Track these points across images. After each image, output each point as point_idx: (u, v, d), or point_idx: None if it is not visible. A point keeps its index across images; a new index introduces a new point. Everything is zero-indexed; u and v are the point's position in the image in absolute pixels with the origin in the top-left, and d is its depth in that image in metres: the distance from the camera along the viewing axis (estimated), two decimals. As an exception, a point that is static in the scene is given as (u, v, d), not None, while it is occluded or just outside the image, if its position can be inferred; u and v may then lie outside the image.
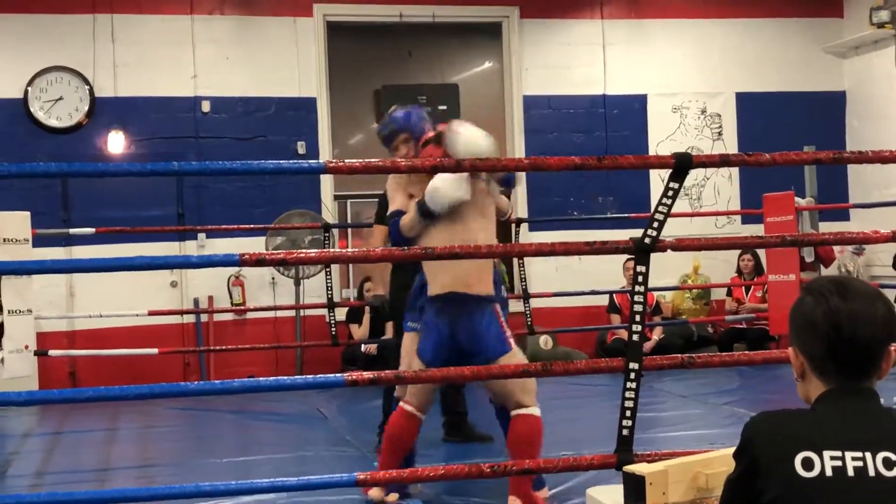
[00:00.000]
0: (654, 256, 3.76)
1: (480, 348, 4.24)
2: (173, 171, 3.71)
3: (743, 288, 9.63)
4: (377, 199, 5.22)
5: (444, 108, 9.45)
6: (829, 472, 1.83)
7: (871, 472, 1.83)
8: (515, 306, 7.99)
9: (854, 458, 1.84)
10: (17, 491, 5.06)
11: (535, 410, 4.33)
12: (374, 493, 4.39)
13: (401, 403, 4.35)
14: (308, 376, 3.77)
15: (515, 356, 4.27)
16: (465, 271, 4.24)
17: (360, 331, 8.97)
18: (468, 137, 4.32)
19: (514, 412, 4.30)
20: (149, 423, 7.04)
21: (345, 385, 3.56)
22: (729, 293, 9.77)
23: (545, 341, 9.25)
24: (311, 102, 9.42)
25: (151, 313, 8.23)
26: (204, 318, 9.11)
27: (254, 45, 9.35)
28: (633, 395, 3.73)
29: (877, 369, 1.94)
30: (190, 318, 9.10)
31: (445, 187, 4.29)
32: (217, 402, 7.35)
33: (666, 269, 9.33)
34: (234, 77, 9.26)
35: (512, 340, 4.33)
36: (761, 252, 9.30)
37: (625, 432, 3.74)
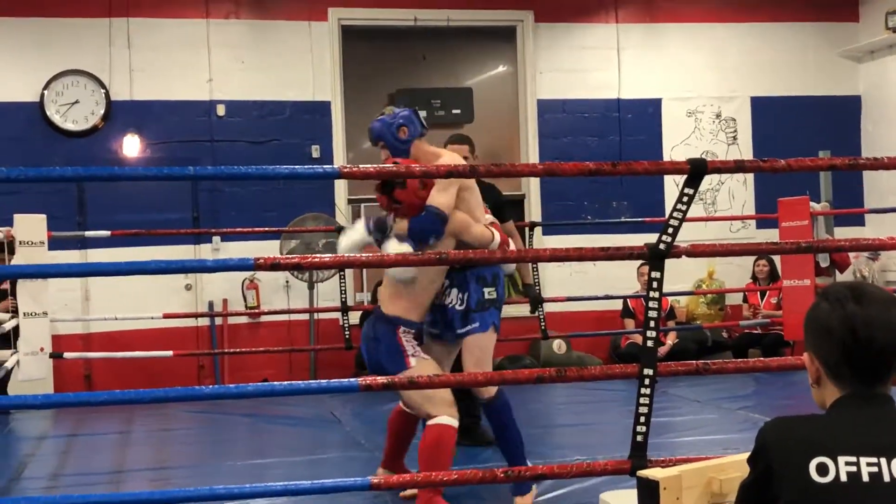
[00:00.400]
0: (668, 261, 3.76)
1: (377, 364, 4.39)
2: (189, 176, 3.73)
3: (758, 293, 9.61)
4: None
5: (458, 111, 9.48)
6: (843, 478, 1.83)
7: (886, 478, 1.83)
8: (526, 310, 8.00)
9: (869, 464, 1.84)
10: (32, 493, 5.08)
11: (443, 420, 4.27)
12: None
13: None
14: (322, 381, 3.77)
15: (415, 372, 4.23)
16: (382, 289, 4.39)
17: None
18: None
19: (427, 422, 4.30)
20: (163, 426, 7.07)
21: (359, 390, 3.57)
22: (745, 299, 9.75)
23: (558, 346, 9.25)
24: (326, 106, 9.45)
25: (166, 316, 8.27)
26: (218, 321, 9.15)
27: (269, 48, 9.38)
28: (647, 401, 3.73)
29: (892, 375, 1.94)
30: (204, 321, 9.14)
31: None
32: (231, 405, 7.38)
33: (680, 274, 9.32)
34: (248, 81, 9.30)
35: (412, 360, 4.33)
36: (776, 257, 9.28)
37: (639, 438, 3.73)
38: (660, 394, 6.71)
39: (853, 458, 1.85)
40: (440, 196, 4.32)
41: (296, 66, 9.41)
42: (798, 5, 10.34)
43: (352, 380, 3.69)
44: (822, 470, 1.84)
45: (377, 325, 4.43)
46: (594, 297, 8.68)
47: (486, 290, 4.59)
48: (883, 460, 1.84)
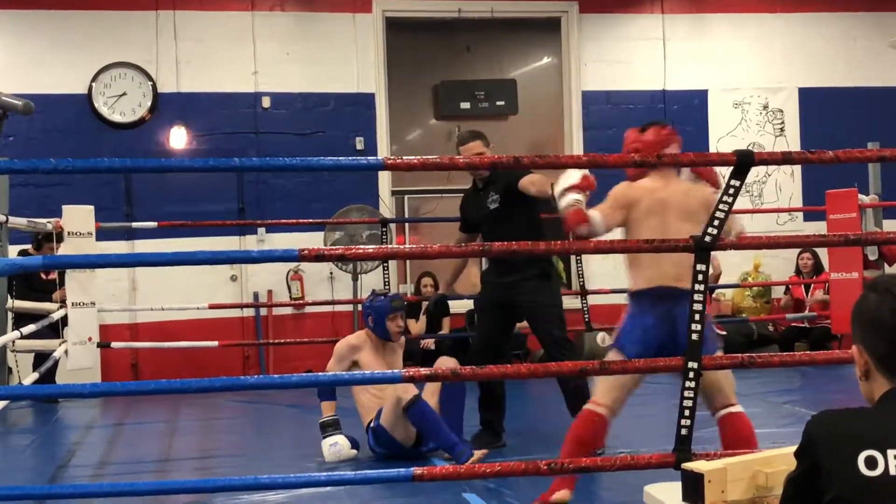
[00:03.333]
0: (714, 254, 3.72)
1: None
2: (234, 168, 3.75)
3: (802, 287, 9.50)
4: None
5: (502, 103, 9.46)
6: (893, 471, 1.81)
7: (935, 473, 1.80)
8: (573, 303, 7.98)
9: (918, 458, 1.81)
10: (79, 481, 5.15)
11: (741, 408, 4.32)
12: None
13: (589, 406, 4.18)
14: (366, 371, 3.79)
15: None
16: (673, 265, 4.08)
17: (417, 326, 9.01)
18: None
19: (724, 411, 4.23)
20: (209, 416, 7.12)
21: (401, 380, 3.58)
22: (786, 290, 9.65)
23: (602, 338, 9.18)
24: (370, 98, 9.47)
25: (212, 307, 8.34)
26: (263, 311, 9.21)
27: (313, 41, 9.41)
28: (691, 395, 3.71)
29: (941, 370, 1.91)
30: (249, 312, 9.21)
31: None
32: (276, 395, 7.42)
33: (727, 267, 9.24)
34: (293, 73, 9.35)
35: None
36: (822, 251, 9.17)
37: (683, 431, 3.72)
38: (704, 387, 6.66)
39: (903, 452, 1.82)
40: (332, 364, 5.17)
41: (340, 59, 9.44)
42: (847, -5, 10.21)
43: (395, 371, 3.70)
44: (871, 463, 1.82)
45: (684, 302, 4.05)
46: (624, 289, 8.61)
47: None
48: (932, 454, 1.82)
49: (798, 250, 9.42)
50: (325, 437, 5.34)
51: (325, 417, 5.35)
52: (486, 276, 5.77)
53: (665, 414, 5.54)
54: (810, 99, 10.16)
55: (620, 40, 9.96)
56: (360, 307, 9.03)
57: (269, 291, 9.22)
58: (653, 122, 4.52)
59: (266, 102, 9.31)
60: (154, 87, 9.09)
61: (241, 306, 9.04)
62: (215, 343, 8.14)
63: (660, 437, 4.99)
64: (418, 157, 3.77)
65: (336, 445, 5.29)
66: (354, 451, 5.32)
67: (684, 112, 9.99)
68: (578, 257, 8.06)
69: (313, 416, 7.07)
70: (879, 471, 1.81)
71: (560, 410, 5.63)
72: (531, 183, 5.03)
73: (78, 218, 7.11)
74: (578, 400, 5.37)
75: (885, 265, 8.79)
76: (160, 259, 3.77)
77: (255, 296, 9.20)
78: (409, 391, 4.90)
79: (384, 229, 8.28)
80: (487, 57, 10.00)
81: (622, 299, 8.92)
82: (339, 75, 9.42)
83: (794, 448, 1.98)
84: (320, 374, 3.91)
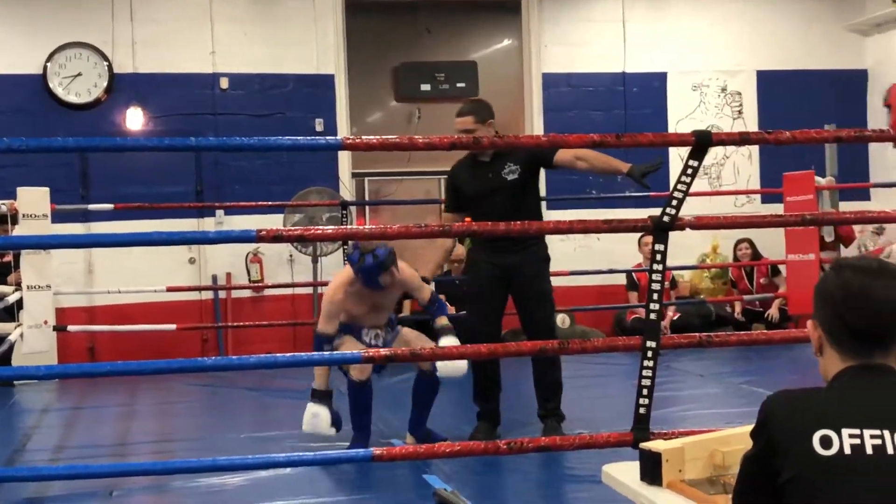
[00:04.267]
0: (672, 235, 3.74)
1: None
2: (190, 147, 3.71)
3: (744, 275, 9.62)
4: (444, 181, 5.31)
5: (462, 85, 9.43)
6: (847, 450, 1.82)
7: (890, 450, 1.82)
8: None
9: (872, 436, 1.83)
10: (36, 464, 5.09)
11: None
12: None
13: None
14: (324, 353, 3.77)
15: None
16: None
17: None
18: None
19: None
20: (167, 399, 7.07)
21: (361, 361, 3.57)
22: (734, 285, 9.76)
23: (562, 320, 9.24)
24: (329, 79, 9.41)
25: (170, 289, 8.28)
26: (222, 294, 9.15)
27: (272, 21, 9.33)
28: (650, 374, 3.73)
29: (893, 348, 1.93)
30: (208, 295, 9.14)
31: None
32: (235, 378, 7.38)
33: (684, 249, 9.28)
34: (252, 54, 9.26)
35: None
36: (760, 239, 9.29)
37: (641, 410, 3.74)
38: (663, 368, 6.69)
39: (857, 431, 1.84)
40: (322, 323, 4.78)
41: (299, 40, 9.36)
42: (805, -22, 10.27)
43: (354, 352, 3.68)
44: (826, 442, 1.83)
45: None
46: (598, 271, 8.67)
47: None
48: (886, 432, 1.84)
49: (736, 239, 9.54)
50: (309, 403, 5.03)
51: (318, 385, 4.96)
52: (480, 254, 5.37)
53: (624, 394, 5.57)
54: (768, 82, 10.22)
55: (581, 22, 9.96)
56: (320, 290, 9.06)
57: (228, 274, 9.16)
58: None
59: (224, 83, 9.22)
60: (110, 67, 8.97)
61: (200, 289, 8.98)
62: (173, 326, 8.07)
63: (619, 417, 5.02)
64: (377, 137, 3.75)
65: (317, 417, 4.99)
66: (333, 431, 5.03)
67: (644, 94, 10.02)
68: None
69: (272, 398, 7.08)
70: (834, 450, 1.82)
71: (517, 392, 5.64)
72: (599, 160, 4.85)
73: (33, 200, 7.02)
74: (554, 396, 5.42)
75: (842, 246, 8.90)
76: (115, 240, 3.73)
77: (214, 278, 9.14)
78: (364, 371, 4.84)
79: (344, 212, 8.23)
80: (448, 39, 9.96)
81: (582, 281, 9.02)
82: (298, 56, 9.35)
83: (750, 427, 1.99)
84: (278, 355, 3.88)
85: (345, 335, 4.94)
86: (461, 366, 4.80)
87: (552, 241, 9.21)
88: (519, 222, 3.85)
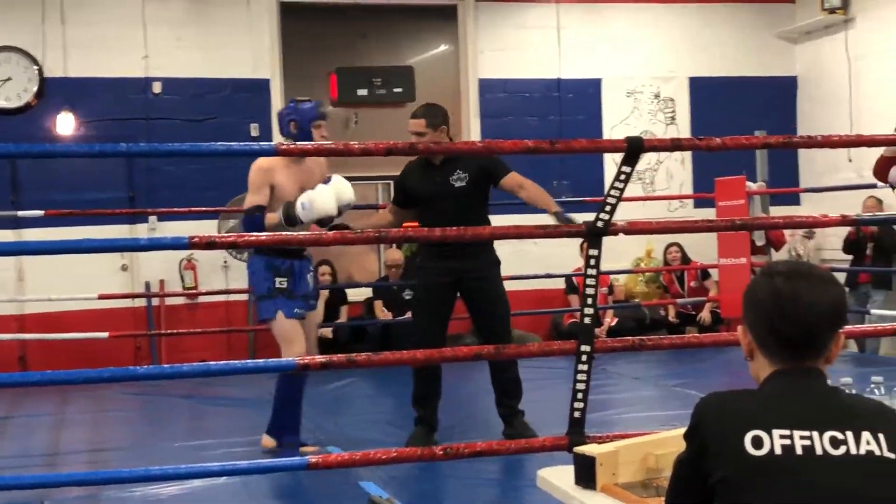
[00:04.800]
0: (608, 240, 3.77)
1: None
2: (121, 153, 3.66)
3: (675, 279, 9.76)
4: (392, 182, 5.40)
5: (399, 90, 9.41)
6: (778, 451, 1.84)
7: (819, 451, 1.85)
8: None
9: (802, 437, 1.86)
10: (-37, 477, 4.97)
11: None
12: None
13: None
14: (259, 360, 3.74)
15: None
16: None
17: (314, 314, 8.95)
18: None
19: None
20: (100, 408, 6.97)
21: (295, 369, 3.54)
22: (665, 290, 9.90)
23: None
24: (265, 84, 9.34)
25: (102, 297, 8.15)
26: (155, 301, 9.03)
27: (206, 25, 9.24)
28: (584, 378, 3.75)
29: (822, 351, 1.96)
30: (141, 302, 9.02)
31: (321, 201, 4.64)
32: (169, 386, 7.28)
33: (620, 253, 9.37)
34: (186, 58, 9.16)
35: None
36: (689, 244, 9.41)
37: (576, 414, 3.76)
38: (599, 371, 6.77)
39: (787, 432, 1.86)
40: (250, 197, 4.88)
41: (234, 44, 9.29)
42: (736, -14, 10.43)
43: (289, 359, 3.66)
44: (757, 443, 1.86)
45: None
46: (534, 275, 8.70)
47: (277, 279, 4.91)
48: (815, 433, 1.86)
49: (666, 244, 9.67)
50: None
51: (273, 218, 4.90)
52: (429, 259, 5.36)
53: (561, 398, 5.60)
54: (700, 88, 10.36)
55: (516, 28, 10.02)
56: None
57: (161, 281, 9.05)
58: None
59: (157, 88, 9.11)
60: (40, 71, 8.81)
61: (133, 296, 8.86)
62: (105, 334, 7.95)
63: (556, 421, 5.05)
64: (312, 143, 3.73)
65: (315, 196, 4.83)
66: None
67: (579, 100, 10.10)
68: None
69: (207, 406, 7.01)
70: (765, 450, 1.85)
71: (455, 397, 5.65)
72: (538, 195, 5.18)
73: (-41, 206, 6.87)
74: (515, 394, 5.45)
75: (773, 250, 9.04)
76: (46, 247, 3.67)
77: (147, 285, 9.02)
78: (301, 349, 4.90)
79: (280, 217, 8.16)
80: (384, 44, 9.95)
81: (519, 286, 9.06)
82: (233, 61, 9.27)
83: (684, 430, 2.01)
84: (211, 363, 3.84)
85: (280, 309, 4.94)
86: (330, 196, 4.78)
87: (489, 245, 9.34)
88: (455, 228, 3.86)
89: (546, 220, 5.79)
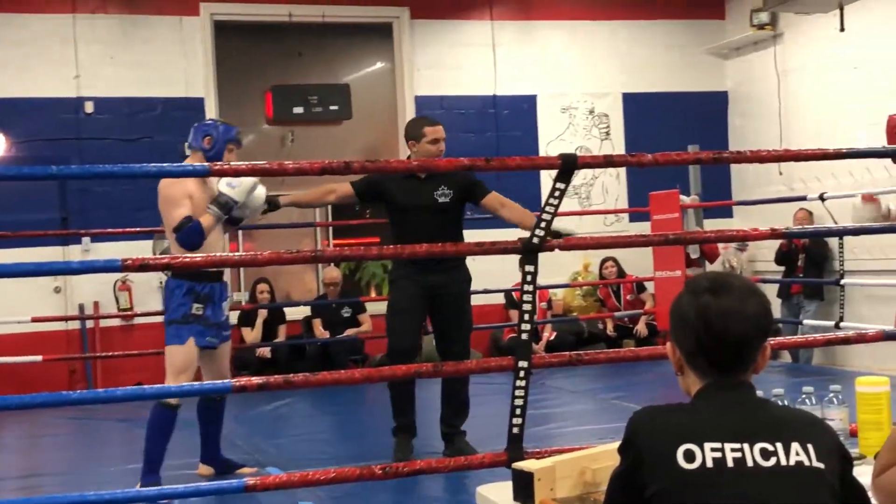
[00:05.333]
0: (545, 255, 3.80)
1: None
2: (51, 175, 3.61)
3: (611, 293, 9.86)
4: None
5: (335, 108, 9.40)
6: (709, 464, 1.87)
7: (750, 463, 1.88)
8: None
9: (733, 450, 1.88)
10: None
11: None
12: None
13: None
14: (195, 383, 3.70)
15: None
16: None
17: (252, 334, 8.89)
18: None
19: None
20: (34, 433, 6.84)
21: (232, 391, 3.52)
22: (603, 304, 9.99)
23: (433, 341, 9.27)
24: (199, 103, 9.27)
25: (35, 320, 8.01)
26: (90, 324, 8.89)
27: (139, 44, 9.16)
28: (522, 394, 3.77)
29: (750, 364, 1.99)
30: (75, 325, 8.88)
31: (244, 178, 4.67)
32: (104, 410, 7.17)
33: (558, 267, 9.44)
34: (118, 77, 9.06)
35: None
36: (625, 258, 9.52)
37: (515, 430, 3.77)
38: (537, 385, 6.80)
39: (718, 445, 1.89)
40: (176, 210, 4.74)
41: (167, 62, 9.21)
42: (667, 3, 10.56)
43: (226, 381, 3.63)
44: (689, 456, 1.88)
45: None
46: (473, 291, 8.69)
47: (195, 304, 4.78)
48: (746, 446, 1.89)
49: (602, 258, 9.77)
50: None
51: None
52: (404, 271, 5.35)
53: (501, 413, 5.62)
54: (634, 104, 10.49)
55: (452, 46, 10.06)
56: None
57: (96, 303, 8.91)
58: None
59: (89, 107, 8.99)
60: (-31, 92, 8.67)
61: (66, 319, 8.71)
62: (39, 358, 7.82)
63: (496, 437, 5.06)
64: (246, 162, 3.71)
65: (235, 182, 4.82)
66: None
67: (514, 117, 10.17)
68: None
69: (143, 430, 6.85)
70: (697, 464, 1.87)
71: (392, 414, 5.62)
72: (521, 215, 5.27)
73: None
74: (464, 414, 5.50)
75: (707, 263, 9.17)
76: (-26, 272, 3.60)
77: (81, 307, 8.88)
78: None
79: (216, 236, 8.09)
80: (320, 61, 9.93)
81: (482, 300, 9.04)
82: (167, 79, 9.18)
83: (619, 444, 2.03)
84: (147, 386, 3.81)
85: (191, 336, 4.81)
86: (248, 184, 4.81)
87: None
88: (391, 247, 3.86)
89: (483, 235, 5.85)
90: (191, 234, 4.69)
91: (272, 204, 5.23)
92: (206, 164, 3.85)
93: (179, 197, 4.74)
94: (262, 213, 5.24)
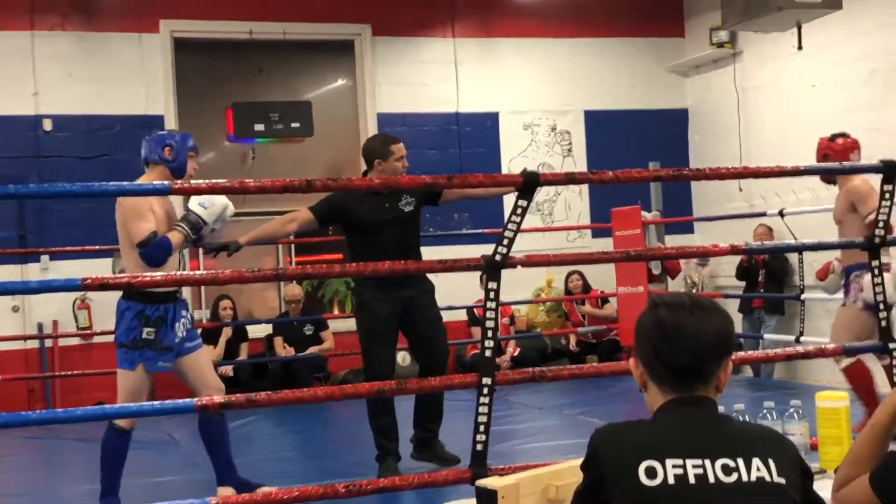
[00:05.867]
0: (508, 270, 3.81)
1: None
2: (9, 195, 3.56)
3: (575, 307, 9.91)
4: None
5: (297, 125, 9.37)
6: (671, 480, 1.88)
7: (712, 479, 1.89)
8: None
9: (695, 466, 1.89)
10: None
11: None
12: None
13: None
14: (156, 402, 3.67)
15: None
16: None
17: (214, 352, 8.82)
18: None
19: None
20: (-9, 454, 6.75)
21: (194, 410, 3.48)
22: (567, 317, 10.04)
23: (402, 358, 9.26)
24: (159, 120, 9.21)
25: (-8, 339, 7.92)
26: (48, 343, 8.79)
27: (98, 61, 9.10)
28: (486, 410, 3.76)
29: (710, 379, 2.00)
30: (34, 344, 8.77)
31: (216, 197, 4.66)
32: (64, 429, 7.09)
33: (521, 283, 9.47)
34: (77, 95, 8.99)
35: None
36: (589, 272, 9.57)
37: (478, 447, 3.76)
38: (501, 402, 6.80)
39: (680, 461, 1.90)
40: (141, 224, 4.57)
41: (127, 80, 9.15)
42: (627, 21, 10.66)
43: (187, 400, 3.60)
44: (651, 473, 1.89)
45: None
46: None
47: (145, 329, 4.67)
48: (707, 462, 1.90)
49: (567, 272, 9.81)
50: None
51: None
52: (371, 291, 5.32)
53: (465, 430, 5.61)
54: (595, 121, 10.55)
55: (414, 63, 10.08)
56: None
57: (55, 322, 8.81)
58: (840, 133, 5.66)
59: (48, 125, 8.92)
60: (-75, 109, 8.57)
61: (25, 338, 8.61)
62: (-3, 377, 7.71)
63: (460, 453, 5.05)
64: (207, 180, 3.70)
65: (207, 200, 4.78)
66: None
67: (477, 134, 10.20)
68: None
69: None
70: (659, 480, 1.88)
71: (353, 431, 5.61)
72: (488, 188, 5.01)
73: None
74: (440, 419, 5.58)
75: (668, 278, 9.22)
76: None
77: (40, 326, 8.78)
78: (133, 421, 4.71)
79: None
80: (281, 78, 9.91)
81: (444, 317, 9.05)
82: (126, 97, 9.12)
83: (581, 460, 2.03)
84: (107, 406, 3.77)
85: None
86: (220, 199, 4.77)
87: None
88: (354, 265, 3.85)
89: (446, 252, 5.85)
90: (158, 249, 4.55)
91: (232, 246, 5.19)
92: (166, 182, 3.82)
93: (145, 210, 4.60)
94: (222, 254, 5.19)
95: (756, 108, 9.91)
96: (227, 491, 4.83)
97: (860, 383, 5.64)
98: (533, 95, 10.40)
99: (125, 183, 3.51)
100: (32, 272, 8.69)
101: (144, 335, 4.64)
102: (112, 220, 8.62)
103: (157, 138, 4.83)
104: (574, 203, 10.46)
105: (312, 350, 9.02)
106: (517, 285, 9.20)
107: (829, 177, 5.92)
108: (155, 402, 3.63)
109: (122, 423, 4.64)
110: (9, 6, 8.87)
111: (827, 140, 5.76)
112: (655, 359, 1.99)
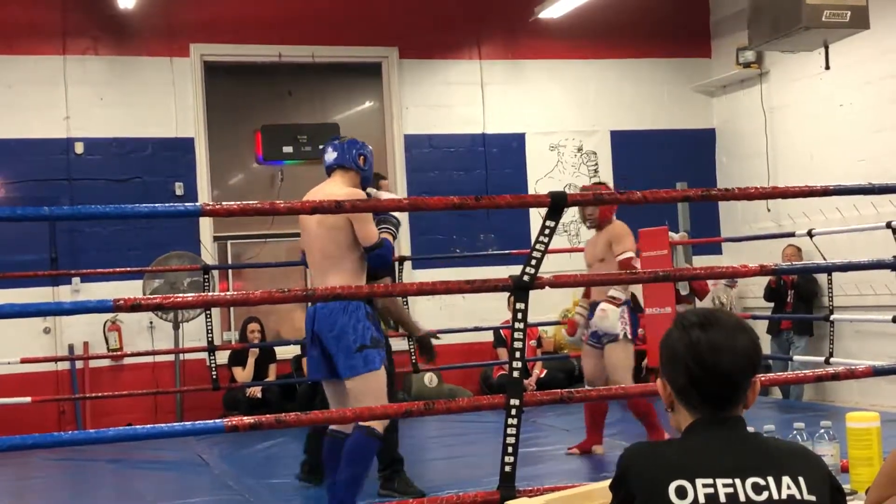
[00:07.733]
0: (535, 292, 3.82)
1: None
2: (43, 217, 3.62)
3: None
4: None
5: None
6: (701, 500, 1.88)
7: (742, 498, 1.89)
8: (400, 344, 8.00)
9: (725, 485, 1.89)
10: None
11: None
12: None
13: None
14: (186, 423, 3.69)
15: None
16: None
17: (243, 374, 8.86)
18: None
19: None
20: (23, 475, 6.79)
21: (224, 431, 3.51)
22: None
23: (430, 379, 9.28)
24: (189, 143, 9.31)
25: (24, 361, 7.99)
26: (79, 364, 8.86)
27: (129, 85, 9.20)
28: (514, 431, 3.76)
29: (741, 399, 2.00)
30: (64, 366, 8.85)
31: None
32: (95, 451, 7.14)
33: (548, 305, 9.46)
34: (108, 118, 9.10)
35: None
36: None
37: (507, 468, 3.76)
38: (529, 424, 6.79)
39: (710, 481, 1.90)
40: (372, 227, 4.46)
41: (157, 103, 9.25)
42: (654, 42, 10.67)
43: (217, 421, 3.62)
44: (681, 493, 1.89)
45: None
46: (463, 329, 8.73)
47: (374, 326, 4.51)
48: (738, 481, 1.90)
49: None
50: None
51: None
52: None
53: (492, 452, 5.62)
54: (621, 141, 10.55)
55: (440, 85, 10.14)
56: (182, 357, 8.85)
57: (85, 343, 8.89)
58: None
59: (79, 148, 9.02)
60: (-40, 133, 8.69)
61: (56, 359, 8.68)
62: (28, 399, 7.77)
63: (487, 475, 5.04)
64: (238, 202, 3.73)
65: None
66: None
67: (503, 155, 10.22)
68: (404, 299, 8.09)
69: (134, 470, 6.88)
70: (689, 500, 1.88)
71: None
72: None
73: None
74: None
75: (696, 299, 9.18)
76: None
77: (71, 348, 8.85)
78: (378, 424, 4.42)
79: (206, 276, 8.12)
80: (309, 101, 10.00)
81: (449, 339, 9.08)
82: (157, 120, 9.23)
83: (610, 481, 2.04)
84: (138, 427, 3.80)
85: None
86: None
87: (419, 299, 9.36)
88: (382, 285, 3.88)
89: (473, 273, 5.88)
90: (388, 250, 4.50)
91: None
92: (197, 204, 3.85)
93: (369, 214, 4.51)
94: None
95: (783, 128, 9.88)
96: None
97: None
98: (559, 116, 10.42)
99: (157, 205, 3.56)
100: (64, 294, 8.77)
101: (375, 333, 4.46)
102: (141, 241, 8.72)
103: (350, 144, 4.72)
104: (601, 224, 10.44)
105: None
106: (544, 307, 9.20)
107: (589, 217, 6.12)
108: (185, 423, 3.65)
109: (378, 428, 4.41)
110: (41, 31, 9.00)
111: None
112: (687, 379, 1.98)
